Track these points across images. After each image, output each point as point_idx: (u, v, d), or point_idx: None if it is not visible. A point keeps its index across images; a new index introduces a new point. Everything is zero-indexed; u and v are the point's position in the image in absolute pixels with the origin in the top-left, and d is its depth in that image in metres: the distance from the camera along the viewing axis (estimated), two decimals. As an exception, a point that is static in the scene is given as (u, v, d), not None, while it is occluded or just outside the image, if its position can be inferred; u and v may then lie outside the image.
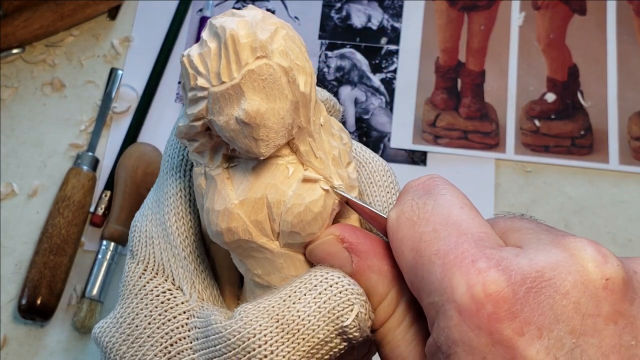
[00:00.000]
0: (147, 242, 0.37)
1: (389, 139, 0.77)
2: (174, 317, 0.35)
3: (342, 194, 0.34)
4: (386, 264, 0.32)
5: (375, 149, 0.77)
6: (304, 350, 0.31)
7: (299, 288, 0.32)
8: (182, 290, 0.36)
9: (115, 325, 0.36)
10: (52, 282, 0.69)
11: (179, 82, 0.80)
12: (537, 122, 0.78)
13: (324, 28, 0.83)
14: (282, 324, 0.31)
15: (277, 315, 0.32)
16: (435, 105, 0.79)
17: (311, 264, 0.34)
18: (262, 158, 0.32)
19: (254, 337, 0.31)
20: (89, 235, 0.74)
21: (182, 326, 0.35)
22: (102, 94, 0.79)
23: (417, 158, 0.77)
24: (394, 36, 0.82)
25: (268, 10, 0.83)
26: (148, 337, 0.35)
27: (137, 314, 0.35)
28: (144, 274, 0.36)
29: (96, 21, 0.82)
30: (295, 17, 0.83)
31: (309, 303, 0.32)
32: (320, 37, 0.82)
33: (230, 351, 0.32)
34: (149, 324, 0.35)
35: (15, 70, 0.80)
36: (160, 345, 0.35)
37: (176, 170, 0.38)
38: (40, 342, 0.70)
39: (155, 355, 0.35)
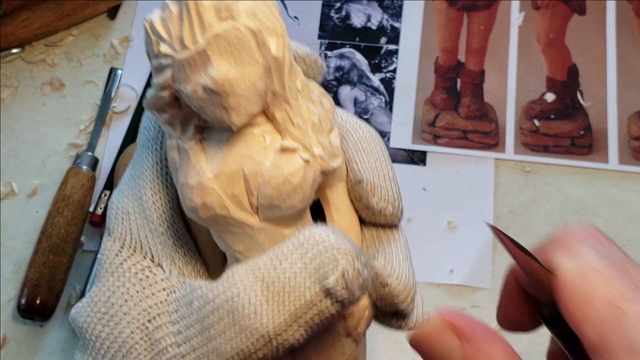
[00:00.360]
0: (123, 219, 0.35)
1: (388, 139, 0.77)
2: (152, 294, 0.33)
3: (501, 233, 0.31)
4: (499, 348, 0.29)
5: (374, 148, 0.77)
6: (290, 312, 0.29)
7: (287, 246, 0.30)
8: (161, 267, 0.34)
9: (91, 305, 0.34)
10: (52, 281, 0.69)
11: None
12: (536, 122, 0.78)
13: (324, 28, 0.83)
14: (266, 283, 0.30)
15: (263, 274, 0.30)
16: (434, 105, 0.79)
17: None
18: (234, 128, 0.30)
19: (238, 296, 0.30)
20: (88, 235, 0.74)
21: (162, 302, 0.33)
22: (102, 93, 0.79)
23: (416, 158, 0.77)
24: (394, 36, 0.82)
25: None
26: (124, 314, 0.33)
27: (113, 292, 0.34)
28: (120, 251, 0.34)
29: (96, 21, 0.82)
30: (295, 17, 0.83)
31: (294, 261, 0.29)
32: (319, 37, 0.82)
33: (214, 312, 0.30)
34: (126, 301, 0.33)
35: (14, 70, 0.80)
36: (138, 322, 0.33)
37: (152, 142, 0.36)
38: (39, 341, 0.70)
39: (132, 332, 0.33)
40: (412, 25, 0.82)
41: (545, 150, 0.77)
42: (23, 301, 0.69)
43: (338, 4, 0.83)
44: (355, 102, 0.80)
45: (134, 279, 0.33)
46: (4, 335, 0.70)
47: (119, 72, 0.80)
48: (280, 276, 0.29)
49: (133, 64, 0.80)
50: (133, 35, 0.82)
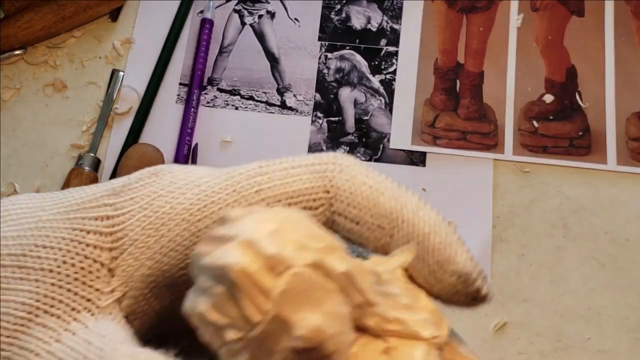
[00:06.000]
0: (141, 201, 0.29)
1: (388, 140, 0.78)
2: (75, 292, 0.27)
3: None
4: None
5: (374, 150, 0.77)
6: None
7: None
8: (112, 275, 0.28)
9: (27, 213, 0.28)
10: (54, 281, 0.70)
11: (180, 84, 0.80)
12: (535, 123, 0.79)
13: (324, 29, 0.83)
14: None
15: None
16: (434, 106, 0.79)
17: None
18: None
19: None
20: (90, 236, 0.74)
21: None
22: (104, 95, 0.79)
23: (416, 159, 0.77)
24: (394, 38, 0.82)
25: (268, 12, 0.84)
26: (33, 270, 0.27)
27: (52, 246, 0.27)
28: (102, 219, 0.28)
29: (97, 23, 0.83)
30: (295, 19, 0.83)
31: None
32: (319, 39, 0.83)
33: None
34: (52, 271, 0.27)
35: (17, 72, 0.81)
36: (35, 301, 0.27)
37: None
38: (42, 341, 0.70)
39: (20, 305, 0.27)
40: (411, 27, 0.83)
41: (544, 151, 0.78)
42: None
43: (338, 6, 0.84)
44: (355, 103, 0.80)
45: (81, 251, 0.27)
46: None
47: (121, 73, 0.80)
48: None
49: (135, 66, 0.81)
50: (135, 37, 0.82)
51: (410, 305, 0.29)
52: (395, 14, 0.84)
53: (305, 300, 0.26)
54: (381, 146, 0.78)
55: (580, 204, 0.76)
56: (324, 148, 0.78)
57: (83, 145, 0.77)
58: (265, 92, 0.80)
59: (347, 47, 0.82)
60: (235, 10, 0.84)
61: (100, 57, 0.81)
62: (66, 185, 0.74)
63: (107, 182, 0.29)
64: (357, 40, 0.82)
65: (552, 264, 0.74)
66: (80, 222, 0.27)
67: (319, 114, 0.79)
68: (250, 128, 0.79)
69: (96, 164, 0.76)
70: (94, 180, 0.75)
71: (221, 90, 0.81)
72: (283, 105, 0.80)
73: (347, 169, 0.29)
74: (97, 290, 0.27)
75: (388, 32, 0.83)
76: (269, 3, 0.84)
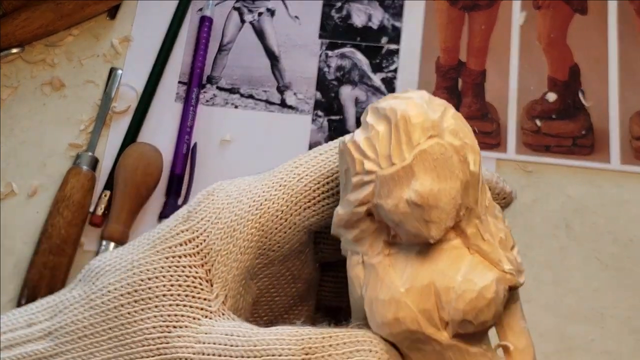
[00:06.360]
0: (210, 218, 0.33)
1: (389, 139, 0.77)
2: (190, 305, 0.31)
3: None
4: None
5: (375, 148, 0.77)
6: None
7: (337, 339, 0.31)
8: (211, 285, 0.32)
9: (128, 271, 0.32)
10: (52, 282, 0.69)
11: (179, 82, 0.80)
12: (538, 122, 0.78)
13: (325, 27, 0.82)
14: (308, 355, 0.30)
15: (309, 346, 0.30)
16: (435, 104, 0.79)
17: (482, 356, 0.32)
18: (431, 241, 0.31)
19: (279, 354, 0.30)
20: (88, 236, 0.73)
21: (194, 318, 0.31)
22: (102, 93, 0.79)
23: (417, 158, 0.77)
24: (395, 35, 0.82)
25: (268, 10, 0.83)
26: (155, 297, 0.31)
27: (157, 277, 0.31)
28: (186, 244, 0.32)
29: (96, 21, 0.82)
30: (296, 17, 0.83)
31: (339, 341, 0.31)
32: (320, 37, 0.82)
33: (250, 356, 0.30)
34: (164, 295, 0.31)
35: (14, 70, 0.80)
36: (162, 315, 0.31)
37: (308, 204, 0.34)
38: (39, 342, 0.70)
39: (153, 327, 0.31)
40: (413, 25, 0.82)
41: (546, 150, 0.77)
42: (23, 301, 0.69)
43: (339, 4, 0.83)
44: (357, 102, 0.79)
45: (184, 279, 0.32)
46: (4, 336, 0.70)
47: (119, 72, 0.79)
48: (323, 353, 0.30)
49: (133, 64, 0.80)
50: (133, 35, 0.82)
51: (504, 241, 0.32)
52: (397, 11, 0.83)
53: (434, 169, 0.30)
54: (382, 145, 0.77)
55: (583, 203, 0.75)
56: (325, 147, 0.77)
57: (81, 144, 0.77)
58: (265, 91, 0.80)
59: (348, 45, 0.81)
60: (234, 8, 0.83)
61: (98, 56, 0.81)
62: (64, 184, 0.73)
63: (173, 216, 0.33)
64: (358, 38, 0.82)
65: (555, 264, 0.73)
66: (169, 251, 0.32)
67: (320, 113, 0.79)
68: (250, 127, 0.78)
69: (94, 163, 0.75)
70: (92, 179, 0.74)
71: (220, 89, 0.80)
72: (283, 104, 0.79)
73: None
74: (205, 299, 0.32)
75: (389, 30, 0.82)
76: (269, 1, 0.84)
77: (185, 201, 0.74)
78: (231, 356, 0.30)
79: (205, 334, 0.31)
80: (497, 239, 0.32)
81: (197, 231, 0.32)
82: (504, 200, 0.36)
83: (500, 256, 0.32)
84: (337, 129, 0.78)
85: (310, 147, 0.77)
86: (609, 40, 0.81)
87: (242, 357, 0.30)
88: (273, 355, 0.30)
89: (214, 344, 0.31)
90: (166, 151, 0.76)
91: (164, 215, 0.74)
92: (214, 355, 0.30)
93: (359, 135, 0.33)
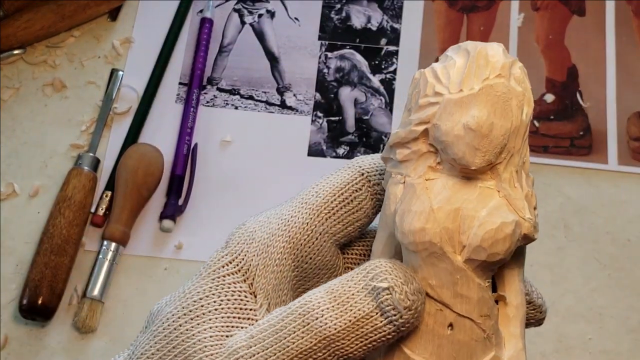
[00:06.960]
0: (245, 240, 0.38)
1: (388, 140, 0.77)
2: (239, 317, 0.37)
3: None
4: None
5: (375, 149, 0.77)
6: (350, 321, 0.34)
7: (356, 270, 0.35)
8: (255, 296, 0.37)
9: (182, 299, 0.37)
10: (53, 282, 0.70)
11: (180, 83, 0.80)
12: (536, 123, 0.79)
13: (324, 29, 0.83)
14: (334, 295, 0.34)
15: (332, 288, 0.34)
16: (434, 105, 0.79)
17: (484, 292, 0.35)
18: (472, 168, 0.34)
19: (310, 302, 0.34)
20: (89, 236, 0.74)
21: (242, 328, 0.36)
22: (103, 94, 0.79)
23: (416, 158, 0.77)
24: (394, 37, 0.82)
25: (268, 11, 0.84)
26: (210, 320, 0.36)
27: (207, 296, 0.37)
28: (228, 265, 0.38)
29: (97, 22, 0.83)
30: (295, 18, 0.83)
31: (358, 280, 0.34)
32: (320, 38, 0.82)
33: (288, 315, 0.34)
34: (216, 310, 0.36)
35: (16, 71, 0.80)
36: (219, 331, 0.36)
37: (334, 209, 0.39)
38: (41, 342, 0.70)
39: (210, 337, 0.36)
40: (412, 27, 0.83)
41: (545, 150, 0.77)
42: (25, 301, 0.69)
43: (338, 5, 0.84)
44: (356, 103, 0.80)
45: (230, 295, 0.37)
46: (6, 336, 0.70)
47: (120, 73, 0.80)
48: (345, 290, 0.34)
49: (134, 65, 0.81)
50: (134, 36, 0.82)
51: (530, 198, 0.36)
52: (396, 13, 0.83)
53: (495, 104, 0.34)
54: (381, 146, 0.77)
55: (582, 204, 0.76)
56: (324, 148, 0.78)
57: (82, 145, 0.77)
58: (265, 92, 0.80)
59: (347, 47, 0.82)
60: (235, 10, 0.84)
61: (99, 57, 0.81)
62: (66, 185, 0.73)
63: (216, 250, 0.39)
64: (357, 40, 0.82)
65: (553, 264, 0.73)
66: (214, 274, 0.37)
67: (319, 114, 0.79)
68: (250, 128, 0.79)
69: (95, 163, 0.75)
70: (93, 180, 0.74)
71: (221, 90, 0.80)
72: (283, 105, 0.80)
73: (370, 156, 0.40)
74: (251, 310, 0.37)
75: (388, 32, 0.83)
76: (268, 2, 0.84)
77: (185, 201, 0.74)
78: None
79: None
80: (525, 191, 0.36)
81: (235, 253, 0.38)
82: (535, 312, 0.41)
83: (524, 205, 0.35)
84: (336, 130, 0.78)
85: (310, 147, 0.77)
86: (606, 42, 0.82)
87: (282, 319, 0.35)
88: (309, 311, 0.34)
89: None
90: (167, 152, 0.76)
91: (164, 215, 0.74)
92: (258, 325, 0.36)
93: (437, 64, 0.36)
